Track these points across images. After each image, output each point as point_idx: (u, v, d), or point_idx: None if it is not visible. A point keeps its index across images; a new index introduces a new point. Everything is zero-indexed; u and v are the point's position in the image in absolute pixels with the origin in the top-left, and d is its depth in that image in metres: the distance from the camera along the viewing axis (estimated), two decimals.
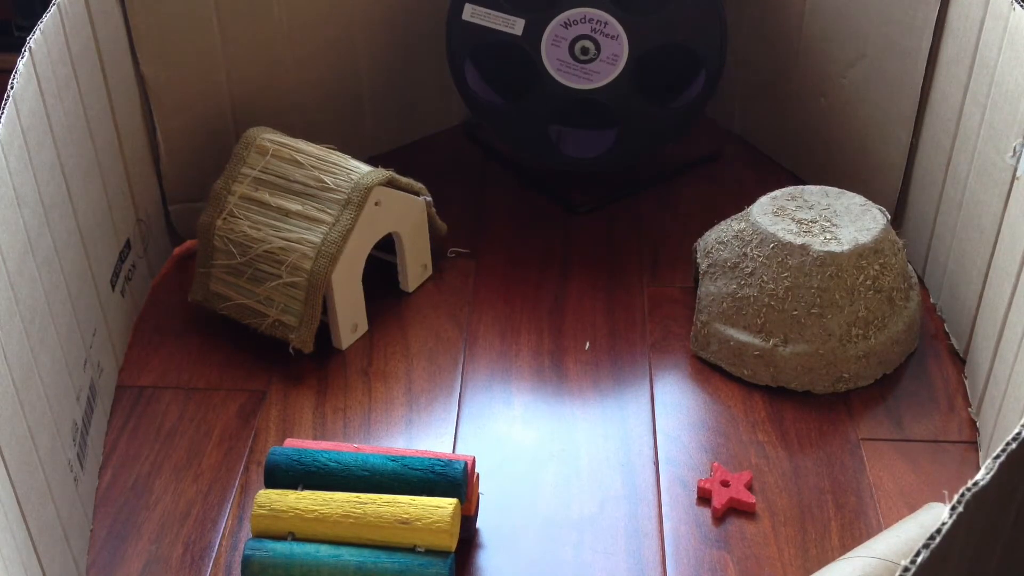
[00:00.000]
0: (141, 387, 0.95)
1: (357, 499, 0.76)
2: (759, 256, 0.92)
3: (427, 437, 0.90)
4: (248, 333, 0.98)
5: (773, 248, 0.92)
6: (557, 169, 1.15)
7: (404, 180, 0.99)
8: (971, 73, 0.91)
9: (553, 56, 1.07)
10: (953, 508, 0.50)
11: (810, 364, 0.92)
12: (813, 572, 0.76)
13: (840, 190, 0.97)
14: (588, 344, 0.99)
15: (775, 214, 0.94)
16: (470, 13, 1.05)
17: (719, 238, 0.97)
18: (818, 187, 0.98)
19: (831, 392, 0.93)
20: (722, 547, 0.81)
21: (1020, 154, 0.83)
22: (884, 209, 0.95)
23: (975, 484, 0.51)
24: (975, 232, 0.91)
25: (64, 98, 0.85)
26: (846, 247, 0.91)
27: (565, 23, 1.05)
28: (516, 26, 1.03)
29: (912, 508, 0.83)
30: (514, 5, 1.06)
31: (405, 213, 1.00)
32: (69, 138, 0.86)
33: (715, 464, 0.86)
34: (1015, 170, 0.84)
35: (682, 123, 1.10)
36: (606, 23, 1.05)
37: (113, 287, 0.95)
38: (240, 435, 0.91)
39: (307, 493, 0.77)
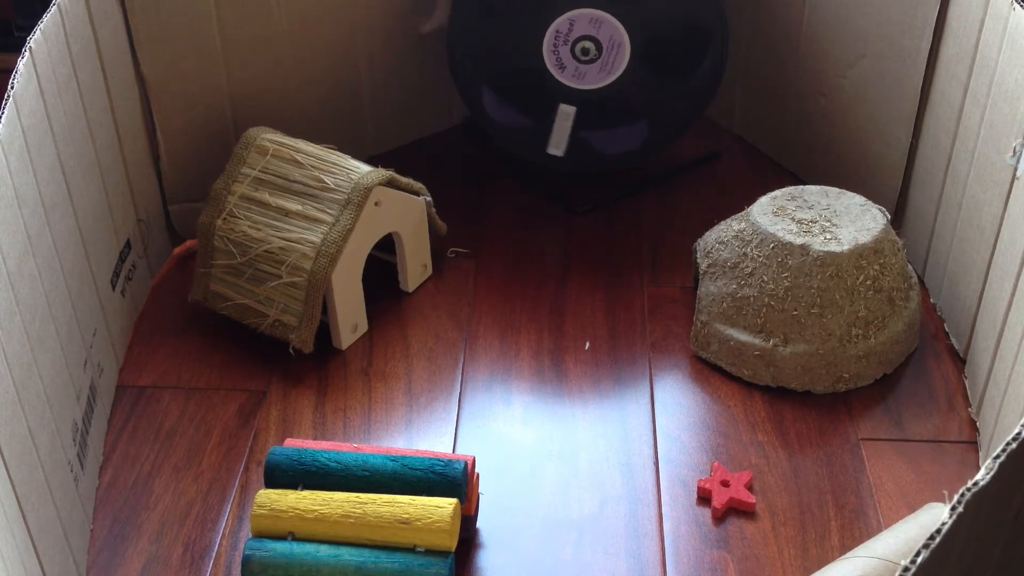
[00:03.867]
0: (141, 387, 0.95)
1: (357, 499, 0.76)
2: (759, 256, 0.92)
3: (427, 437, 0.90)
4: (248, 333, 0.98)
5: (773, 248, 0.92)
6: (600, 171, 1.15)
7: (404, 180, 0.99)
8: (971, 73, 0.91)
9: (560, 66, 1.07)
10: (953, 508, 0.50)
11: (810, 364, 0.92)
12: (813, 572, 0.76)
13: (840, 190, 0.97)
14: (588, 344, 0.98)
15: (775, 214, 0.94)
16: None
17: (719, 238, 0.97)
18: (818, 187, 0.98)
19: (831, 392, 0.93)
20: (722, 547, 0.81)
21: (1020, 154, 0.83)
22: (884, 209, 0.95)
23: (975, 484, 0.51)
24: (975, 232, 0.91)
25: (64, 98, 0.85)
26: (846, 247, 0.90)
27: (556, 33, 1.05)
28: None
29: (912, 508, 0.83)
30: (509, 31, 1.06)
31: (405, 213, 1.00)
32: (69, 138, 0.85)
33: (715, 464, 0.86)
34: (1015, 170, 0.84)
35: (705, 94, 1.10)
36: (595, 18, 1.04)
37: (113, 287, 0.95)
38: (240, 435, 0.91)
39: (307, 493, 0.77)
